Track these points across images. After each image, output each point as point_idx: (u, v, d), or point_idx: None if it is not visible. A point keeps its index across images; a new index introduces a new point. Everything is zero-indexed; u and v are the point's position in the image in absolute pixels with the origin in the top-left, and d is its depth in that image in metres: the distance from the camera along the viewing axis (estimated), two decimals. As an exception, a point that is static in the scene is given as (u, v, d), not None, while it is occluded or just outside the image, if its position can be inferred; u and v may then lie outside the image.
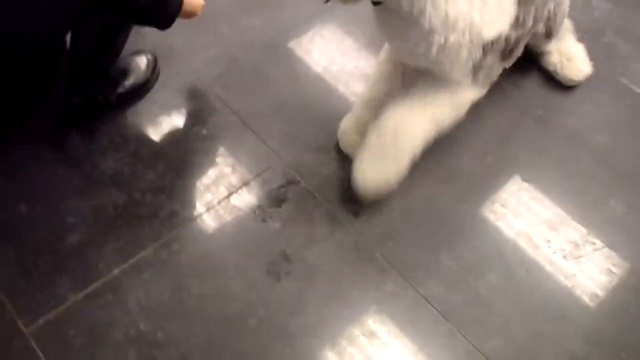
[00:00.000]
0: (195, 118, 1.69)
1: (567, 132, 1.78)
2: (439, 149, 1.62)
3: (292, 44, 1.90)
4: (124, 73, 1.67)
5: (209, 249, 1.47)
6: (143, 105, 1.70)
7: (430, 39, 1.27)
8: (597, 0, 2.15)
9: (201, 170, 1.59)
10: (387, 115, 1.43)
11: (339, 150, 1.65)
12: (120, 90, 1.66)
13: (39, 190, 1.54)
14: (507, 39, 1.38)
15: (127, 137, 1.64)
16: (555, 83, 1.87)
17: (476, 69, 1.38)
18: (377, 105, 1.50)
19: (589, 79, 1.90)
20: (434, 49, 1.29)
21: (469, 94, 1.45)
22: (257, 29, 1.92)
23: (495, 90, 1.82)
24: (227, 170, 1.60)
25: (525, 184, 1.65)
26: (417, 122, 1.43)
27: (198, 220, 1.50)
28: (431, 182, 1.62)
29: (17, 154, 1.58)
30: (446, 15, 1.22)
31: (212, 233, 1.49)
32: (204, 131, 1.66)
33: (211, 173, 1.59)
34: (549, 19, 1.66)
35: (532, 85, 1.87)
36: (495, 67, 1.44)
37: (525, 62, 1.79)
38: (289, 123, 1.70)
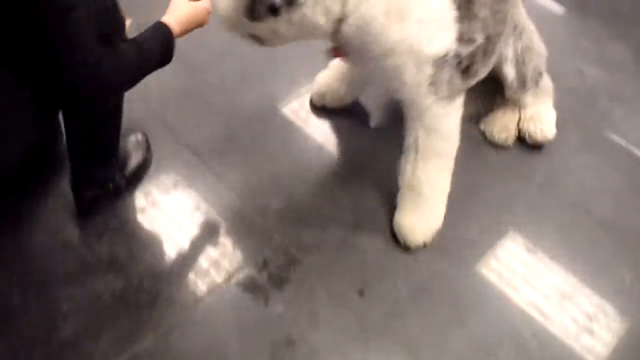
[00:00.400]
0: (194, 197, 1.66)
1: (570, 198, 1.76)
2: (443, 222, 1.61)
3: (286, 112, 1.91)
4: (125, 155, 1.64)
5: (211, 336, 1.41)
6: (139, 185, 1.68)
7: (373, 65, 1.39)
8: (589, 68, 2.19)
9: (201, 252, 1.55)
10: (407, 174, 1.57)
11: (339, 227, 1.62)
12: (127, 172, 1.63)
13: (33, 276, 1.48)
14: (457, 54, 1.40)
15: (123, 219, 1.60)
16: (554, 149, 1.87)
17: (433, 84, 1.41)
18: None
19: (588, 144, 1.91)
20: (379, 73, 1.42)
21: (447, 110, 1.49)
22: (251, 99, 1.92)
23: (494, 158, 1.83)
24: (228, 250, 1.56)
25: (532, 253, 1.62)
26: (435, 169, 1.56)
27: (198, 305, 1.45)
28: (436, 257, 1.59)
29: (10, 238, 1.54)
30: (383, 43, 1.32)
31: (213, 319, 1.44)
32: (203, 209, 1.63)
33: (212, 254, 1.55)
34: (518, 63, 1.73)
35: (531, 152, 1.88)
36: (456, 79, 1.45)
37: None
38: (288, 199, 1.68)
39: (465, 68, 1.45)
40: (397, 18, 1.29)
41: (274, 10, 1.21)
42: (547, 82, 1.88)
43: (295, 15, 1.24)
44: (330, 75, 1.88)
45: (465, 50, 1.42)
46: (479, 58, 1.48)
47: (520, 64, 1.74)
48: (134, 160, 1.65)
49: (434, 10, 1.34)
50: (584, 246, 1.65)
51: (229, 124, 1.84)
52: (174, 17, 1.36)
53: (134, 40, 1.27)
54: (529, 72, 1.77)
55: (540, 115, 1.85)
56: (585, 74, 2.17)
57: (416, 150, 1.54)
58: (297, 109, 1.92)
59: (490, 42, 1.50)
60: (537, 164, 1.85)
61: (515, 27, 1.68)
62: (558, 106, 1.95)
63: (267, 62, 2.00)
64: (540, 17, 2.37)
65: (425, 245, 1.59)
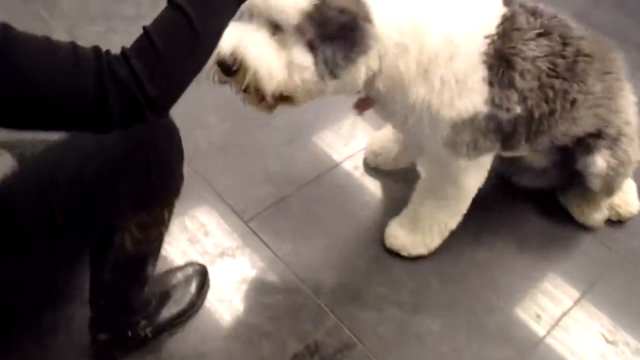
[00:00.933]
0: (241, 268, 1.53)
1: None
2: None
3: (339, 174, 1.78)
4: (162, 299, 1.35)
5: None
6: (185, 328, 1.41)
7: (396, 119, 1.36)
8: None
9: (246, 333, 1.42)
10: (415, 203, 1.56)
11: (397, 308, 1.48)
12: (158, 321, 1.34)
13: None
14: (492, 117, 1.29)
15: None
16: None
17: (448, 145, 1.34)
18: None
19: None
20: (400, 127, 1.44)
21: (467, 165, 1.40)
22: (302, 158, 1.80)
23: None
24: (275, 333, 1.42)
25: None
26: (441, 209, 1.52)
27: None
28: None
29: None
30: (407, 99, 1.26)
31: None
32: (250, 283, 1.50)
33: (256, 337, 1.41)
34: (609, 176, 1.51)
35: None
36: (482, 142, 1.34)
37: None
38: (343, 274, 1.54)
39: (503, 138, 1.35)
40: (423, 76, 1.23)
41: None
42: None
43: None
44: (385, 134, 1.75)
45: (504, 115, 1.29)
46: (521, 130, 1.34)
47: (610, 177, 1.53)
48: (173, 306, 1.36)
49: (460, 70, 1.24)
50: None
51: (278, 187, 1.72)
52: None
53: None
54: (618, 184, 1.57)
55: (623, 189, 1.67)
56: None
57: (428, 189, 1.52)
58: (351, 170, 1.79)
59: (533, 119, 1.33)
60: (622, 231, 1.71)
61: (609, 130, 1.48)
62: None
63: (318, 115, 1.89)
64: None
65: (398, 254, 1.57)
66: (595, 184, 1.54)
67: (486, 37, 1.24)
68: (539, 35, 1.29)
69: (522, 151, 1.48)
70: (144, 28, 0.83)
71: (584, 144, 1.49)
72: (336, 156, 1.82)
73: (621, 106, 1.49)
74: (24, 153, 1.02)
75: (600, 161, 1.49)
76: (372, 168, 1.79)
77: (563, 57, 1.32)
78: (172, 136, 1.08)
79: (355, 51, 1.14)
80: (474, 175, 1.45)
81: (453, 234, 1.57)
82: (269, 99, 1.16)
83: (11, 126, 0.80)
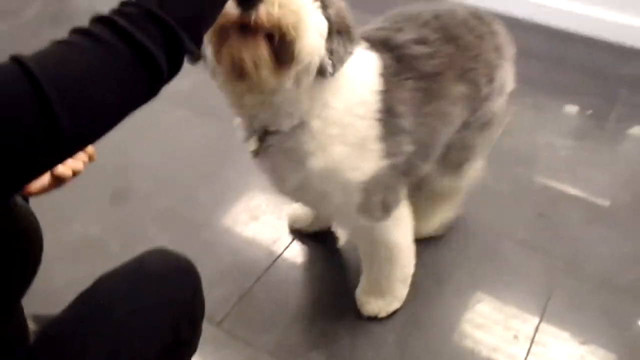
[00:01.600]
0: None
1: (594, 277, 1.75)
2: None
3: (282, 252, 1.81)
4: None
5: None
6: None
7: (308, 185, 1.26)
8: (559, 140, 2.26)
9: None
10: (367, 271, 1.59)
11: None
12: None
13: None
14: (390, 168, 1.28)
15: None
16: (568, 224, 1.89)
17: (362, 210, 1.31)
18: None
19: (592, 216, 1.93)
20: (312, 196, 1.31)
21: (386, 225, 1.41)
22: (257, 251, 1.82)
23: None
24: None
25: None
26: (391, 269, 1.54)
27: None
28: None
29: None
30: (325, 162, 1.21)
31: None
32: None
33: None
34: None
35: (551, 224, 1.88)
36: (390, 197, 1.35)
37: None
38: (328, 349, 1.55)
39: (405, 173, 1.36)
40: (336, 137, 1.19)
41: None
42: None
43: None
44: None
45: (397, 161, 1.30)
46: (418, 162, 1.38)
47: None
48: None
49: (357, 133, 1.21)
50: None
51: (237, 282, 1.71)
52: None
53: None
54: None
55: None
56: (556, 146, 2.24)
57: (367, 257, 1.55)
58: (303, 246, 1.83)
59: (424, 148, 1.36)
60: (552, 249, 1.84)
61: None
62: (543, 187, 2.01)
63: (246, 205, 1.92)
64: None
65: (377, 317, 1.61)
66: None
67: (378, 92, 1.23)
68: (406, 78, 1.29)
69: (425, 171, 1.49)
70: None
71: None
72: (284, 238, 1.85)
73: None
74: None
75: None
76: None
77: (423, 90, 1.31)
78: (197, 289, 1.09)
79: (349, 50, 1.11)
80: (398, 231, 1.46)
81: (416, 280, 1.64)
82: (265, 48, 0.98)
83: None
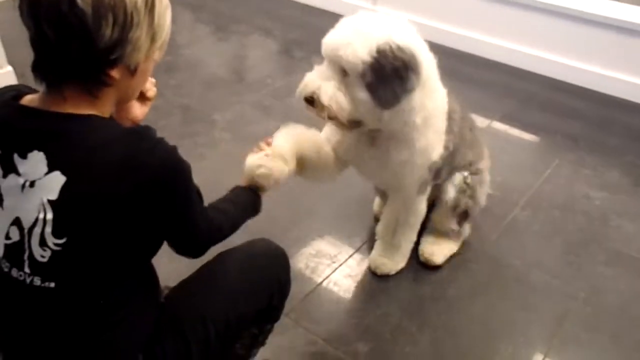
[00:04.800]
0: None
1: (611, 307, 2.01)
2: None
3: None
4: None
5: None
6: None
7: (411, 159, 1.76)
8: (594, 191, 2.54)
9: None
10: (389, 236, 2.08)
11: (422, 360, 1.83)
12: None
13: None
14: (442, 158, 1.83)
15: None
16: (584, 265, 2.16)
17: (422, 183, 1.87)
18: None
19: (616, 258, 2.19)
20: (409, 168, 1.79)
21: (420, 198, 1.96)
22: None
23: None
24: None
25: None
26: (410, 232, 2.07)
27: None
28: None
29: None
30: (426, 142, 1.74)
31: None
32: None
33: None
34: (461, 190, 2.04)
35: (568, 270, 2.15)
36: (429, 181, 1.91)
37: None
38: (375, 341, 1.89)
39: (436, 172, 1.88)
40: (425, 126, 1.71)
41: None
42: (466, 230, 2.21)
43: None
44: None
45: (444, 155, 1.83)
46: (446, 164, 1.89)
47: (460, 192, 2.04)
48: None
49: (441, 123, 1.76)
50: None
51: (303, 282, 2.10)
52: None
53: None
54: (462, 205, 2.07)
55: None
56: (591, 197, 2.52)
57: (396, 224, 2.03)
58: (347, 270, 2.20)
59: (452, 153, 1.89)
60: (575, 281, 2.11)
61: (471, 163, 2.04)
62: (575, 227, 2.31)
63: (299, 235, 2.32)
64: (544, 155, 2.80)
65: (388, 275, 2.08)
66: (450, 192, 2.05)
67: (446, 100, 1.79)
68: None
69: (439, 180, 1.99)
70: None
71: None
72: (344, 253, 2.23)
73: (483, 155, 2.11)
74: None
75: (459, 178, 2.03)
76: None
77: (460, 109, 1.91)
78: (287, 270, 1.50)
79: (402, 89, 1.56)
80: (424, 202, 1.99)
81: (450, 295, 1.96)
82: (345, 122, 1.63)
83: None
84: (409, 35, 1.59)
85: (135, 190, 1.04)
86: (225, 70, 3.57)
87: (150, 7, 1.06)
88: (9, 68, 2.97)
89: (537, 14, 3.40)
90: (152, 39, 1.09)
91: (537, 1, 3.36)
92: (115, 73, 1.06)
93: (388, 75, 1.52)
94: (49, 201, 1.03)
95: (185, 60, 3.57)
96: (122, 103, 1.19)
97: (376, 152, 1.79)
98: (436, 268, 2.15)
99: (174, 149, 1.09)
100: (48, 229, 1.04)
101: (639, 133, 2.98)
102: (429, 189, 1.97)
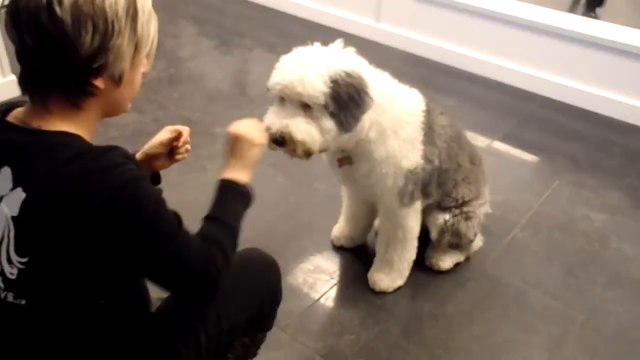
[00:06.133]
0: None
1: (610, 330, 2.00)
2: None
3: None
4: None
5: None
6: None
7: (373, 170, 1.81)
8: (594, 213, 2.54)
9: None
10: (382, 252, 2.09)
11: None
12: None
13: None
14: (423, 169, 1.86)
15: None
16: (584, 290, 2.15)
17: (401, 193, 1.87)
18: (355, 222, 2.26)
19: (615, 280, 2.19)
20: (374, 178, 1.83)
21: (407, 212, 1.95)
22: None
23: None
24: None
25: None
26: (401, 248, 2.06)
27: None
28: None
29: None
30: (386, 151, 1.77)
31: None
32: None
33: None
34: (444, 232, 2.08)
35: (569, 296, 2.15)
36: (416, 193, 1.91)
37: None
38: (359, 341, 1.88)
39: (423, 187, 1.91)
40: (394, 133, 1.77)
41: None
42: (477, 242, 2.24)
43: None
44: (340, 226, 2.30)
45: (428, 167, 1.86)
46: (434, 180, 1.93)
47: (441, 233, 2.08)
48: None
49: (410, 132, 1.80)
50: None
51: (301, 297, 2.09)
52: (242, 169, 1.38)
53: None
54: (445, 242, 2.11)
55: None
56: (591, 218, 2.52)
57: (387, 238, 2.05)
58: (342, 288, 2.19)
59: (441, 171, 1.93)
60: (574, 303, 2.10)
61: (464, 203, 2.06)
62: (574, 249, 2.31)
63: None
64: (545, 176, 2.80)
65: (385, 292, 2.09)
66: (433, 234, 2.12)
67: (423, 111, 1.84)
68: (441, 113, 1.94)
69: (430, 199, 2.01)
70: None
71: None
72: (341, 270, 2.22)
73: (482, 193, 2.13)
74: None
75: (445, 217, 2.07)
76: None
77: (453, 128, 1.97)
78: (278, 279, 1.49)
79: (360, 111, 1.64)
80: (413, 218, 1.99)
81: (449, 313, 1.95)
82: (313, 153, 1.66)
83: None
84: (350, 60, 1.66)
85: (88, 214, 0.99)
86: (228, 84, 3.59)
87: (133, 16, 1.06)
88: (12, 77, 2.99)
89: (539, 36, 3.42)
90: (136, 48, 1.09)
91: (539, 23, 3.38)
92: (99, 82, 1.06)
93: (345, 101, 1.60)
94: (12, 218, 1.02)
95: (188, 73, 3.58)
96: (109, 115, 1.17)
97: (342, 169, 1.88)
98: (440, 273, 2.19)
99: (138, 178, 1.04)
100: (11, 247, 1.03)
101: (638, 155, 2.99)
102: (418, 205, 1.96)
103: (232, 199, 1.31)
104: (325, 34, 3.87)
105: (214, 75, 3.61)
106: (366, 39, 3.94)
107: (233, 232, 1.26)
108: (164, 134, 1.45)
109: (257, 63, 3.83)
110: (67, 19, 0.99)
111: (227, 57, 3.87)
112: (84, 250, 1.02)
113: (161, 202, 1.08)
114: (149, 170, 1.42)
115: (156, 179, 1.46)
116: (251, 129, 1.44)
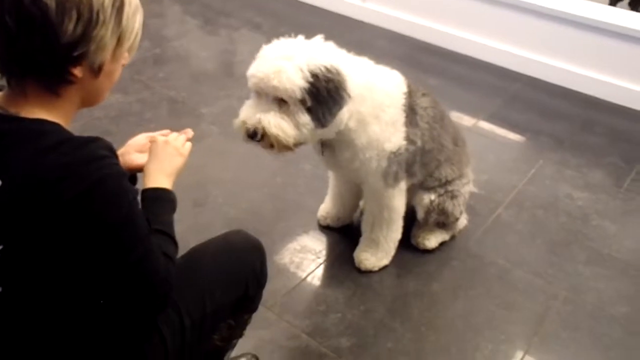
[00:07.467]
0: None
1: (591, 306, 2.04)
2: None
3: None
4: None
5: None
6: None
7: (356, 157, 1.82)
8: (577, 192, 2.57)
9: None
10: (367, 232, 2.11)
11: (404, 354, 1.84)
12: None
13: None
14: (406, 149, 1.87)
15: None
16: (566, 266, 2.19)
17: (385, 175, 1.88)
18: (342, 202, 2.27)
19: (597, 258, 2.23)
20: (357, 163, 1.84)
21: (393, 193, 1.97)
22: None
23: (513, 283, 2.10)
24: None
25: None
26: (387, 228, 2.08)
27: None
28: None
29: None
30: (368, 137, 1.78)
31: None
32: None
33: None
34: (429, 211, 2.11)
35: (551, 271, 2.18)
36: (400, 174, 1.92)
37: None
38: (357, 338, 1.91)
39: (407, 167, 1.93)
40: (375, 118, 1.78)
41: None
42: (462, 221, 2.28)
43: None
44: (327, 205, 2.32)
45: (410, 148, 1.88)
46: (417, 160, 1.95)
47: (427, 212, 2.12)
48: None
49: (391, 115, 1.81)
50: (615, 349, 1.91)
51: (288, 277, 2.11)
52: (167, 177, 1.33)
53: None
54: (432, 221, 2.15)
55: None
56: (574, 197, 2.55)
57: (373, 218, 2.06)
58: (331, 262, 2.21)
59: (424, 152, 1.95)
60: (556, 280, 2.14)
61: (447, 182, 2.08)
62: (557, 227, 2.34)
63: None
64: (529, 155, 2.82)
65: (371, 271, 2.12)
66: (419, 213, 2.15)
67: (404, 93, 1.85)
68: (423, 94, 1.95)
69: (415, 179, 2.03)
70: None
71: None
72: (328, 249, 2.24)
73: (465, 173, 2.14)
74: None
75: (430, 197, 2.10)
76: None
77: (435, 109, 1.97)
78: (263, 261, 1.48)
79: (337, 107, 1.65)
80: (398, 198, 2.01)
81: (435, 291, 1.98)
82: (291, 147, 1.68)
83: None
84: (329, 53, 1.68)
85: (61, 205, 0.98)
86: (214, 64, 3.56)
87: (119, 7, 1.06)
88: None
89: (524, 15, 3.43)
90: (119, 40, 1.08)
91: (525, 2, 3.38)
92: (78, 71, 1.05)
93: (324, 97, 1.61)
94: None
95: (173, 52, 3.55)
96: (86, 104, 1.16)
97: (325, 156, 1.91)
98: (426, 252, 2.21)
99: (116, 175, 1.03)
100: None
101: (621, 134, 3.02)
102: (403, 185, 1.98)
103: (169, 209, 1.28)
104: (311, 13, 3.77)
105: (200, 54, 3.58)
106: (352, 18, 3.90)
107: (175, 245, 1.23)
108: (141, 139, 1.44)
109: (243, 42, 3.80)
110: (52, 4, 0.98)
111: (212, 37, 3.84)
112: (56, 241, 1.02)
113: (135, 204, 1.08)
114: (127, 170, 1.39)
115: (133, 179, 1.43)
116: (179, 142, 1.41)
